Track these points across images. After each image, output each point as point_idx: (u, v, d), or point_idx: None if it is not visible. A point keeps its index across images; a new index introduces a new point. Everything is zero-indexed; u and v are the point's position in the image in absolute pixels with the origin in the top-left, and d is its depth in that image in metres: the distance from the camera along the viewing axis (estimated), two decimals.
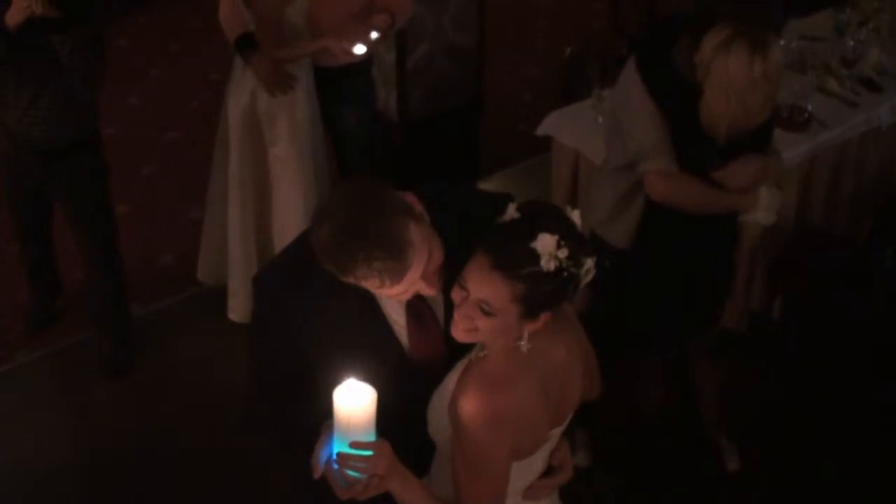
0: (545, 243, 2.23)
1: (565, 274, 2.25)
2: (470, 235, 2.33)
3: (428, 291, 2.36)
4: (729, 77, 3.19)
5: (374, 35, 4.21)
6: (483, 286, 2.27)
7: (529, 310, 2.29)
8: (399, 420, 2.39)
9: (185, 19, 7.17)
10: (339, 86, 4.55)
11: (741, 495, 4.21)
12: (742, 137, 3.33)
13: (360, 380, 2.28)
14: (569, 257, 2.25)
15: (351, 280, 2.27)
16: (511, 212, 2.31)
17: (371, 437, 2.30)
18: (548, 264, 2.23)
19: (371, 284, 2.28)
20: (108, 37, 6.50)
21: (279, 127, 4.45)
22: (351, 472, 2.31)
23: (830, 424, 4.44)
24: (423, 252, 2.28)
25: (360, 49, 4.20)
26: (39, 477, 4.26)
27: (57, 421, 4.52)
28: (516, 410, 2.37)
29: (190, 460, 4.33)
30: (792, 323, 4.79)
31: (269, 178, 4.58)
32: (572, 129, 4.63)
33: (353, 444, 2.28)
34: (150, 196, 5.71)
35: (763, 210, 3.52)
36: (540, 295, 2.27)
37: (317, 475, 2.34)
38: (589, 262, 2.30)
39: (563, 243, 2.24)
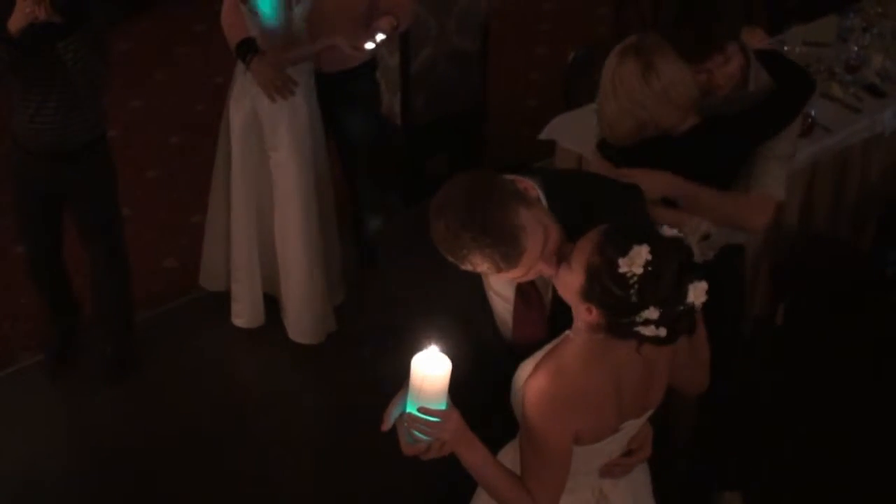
0: (636, 252, 2.27)
1: (634, 289, 2.28)
2: (593, 219, 2.42)
3: (548, 272, 2.44)
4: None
5: (380, 37, 4.22)
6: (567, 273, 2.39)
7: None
8: (486, 389, 2.56)
9: (188, 23, 7.17)
10: (342, 90, 4.55)
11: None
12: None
13: (444, 347, 2.38)
14: (647, 277, 2.26)
15: (469, 268, 2.40)
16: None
17: (442, 405, 2.41)
18: (626, 267, 2.27)
19: (488, 269, 2.39)
20: (112, 40, 6.53)
21: (280, 132, 4.45)
22: (417, 433, 2.43)
23: (834, 430, 4.43)
24: (539, 235, 2.38)
25: (369, 45, 4.21)
26: (39, 481, 4.27)
27: (58, 425, 4.53)
28: (580, 398, 2.45)
29: (191, 465, 4.34)
30: (795, 328, 4.79)
31: (270, 183, 4.58)
32: (575, 133, 4.62)
33: (422, 410, 2.40)
34: (153, 200, 5.71)
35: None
36: (605, 295, 2.31)
37: (385, 427, 2.48)
38: (688, 294, 2.30)
39: (651, 263, 2.26)
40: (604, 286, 2.30)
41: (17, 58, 3.86)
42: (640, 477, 2.85)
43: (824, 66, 4.90)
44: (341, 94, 4.57)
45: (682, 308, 2.30)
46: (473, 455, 2.49)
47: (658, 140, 3.37)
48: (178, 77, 6.75)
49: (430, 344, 2.37)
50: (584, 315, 2.39)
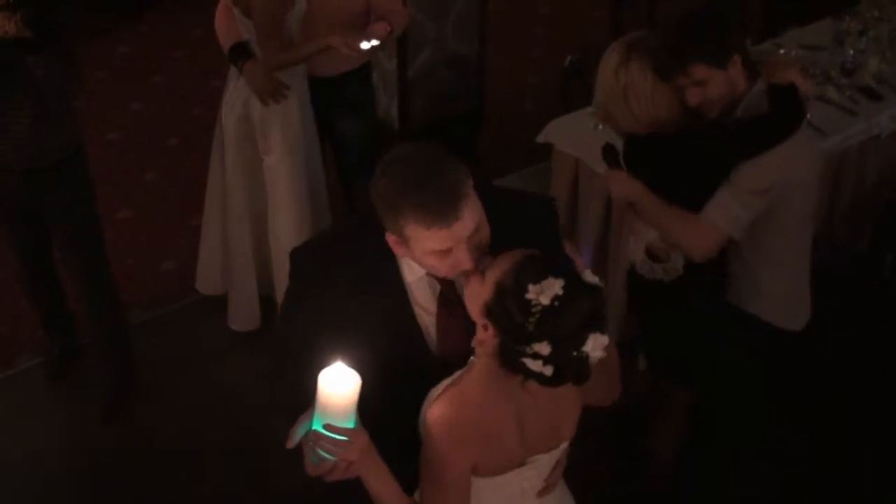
0: (548, 284, 2.24)
1: (534, 318, 2.24)
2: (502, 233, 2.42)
3: (467, 263, 2.39)
4: None
5: (373, 42, 4.22)
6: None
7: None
8: (405, 414, 2.46)
9: (187, 26, 7.18)
10: (337, 94, 4.56)
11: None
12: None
13: (364, 365, 2.32)
14: (550, 311, 2.23)
15: (400, 228, 2.37)
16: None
17: (350, 423, 2.34)
18: (534, 295, 2.24)
19: (418, 232, 2.35)
20: (111, 44, 6.55)
21: (273, 136, 4.46)
22: (322, 453, 2.36)
23: (832, 430, 4.44)
24: (476, 213, 2.37)
25: (364, 45, 4.21)
26: (37, 483, 4.28)
27: (57, 427, 4.53)
28: (479, 428, 2.39)
29: (189, 468, 4.34)
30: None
31: (264, 186, 4.59)
32: (572, 137, 4.64)
33: (328, 428, 2.33)
34: (151, 202, 5.71)
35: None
36: (505, 316, 2.28)
37: (290, 444, 2.40)
38: (587, 343, 2.25)
39: (560, 299, 2.23)
40: (506, 307, 2.26)
41: None
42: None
43: (820, 69, 4.92)
44: (336, 99, 4.58)
45: (575, 354, 2.25)
46: (379, 483, 2.42)
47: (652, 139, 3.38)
48: (176, 80, 6.76)
49: (337, 359, 2.31)
50: (480, 331, 2.34)
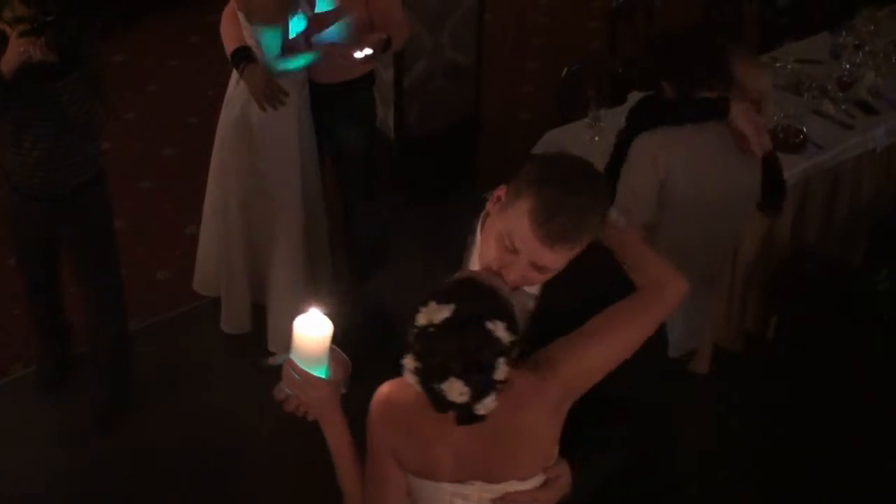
0: (432, 308, 2.24)
1: (414, 329, 2.25)
2: None
3: (497, 266, 2.44)
4: None
5: (367, 51, 4.22)
6: None
7: None
8: None
9: (182, 35, 7.18)
10: (338, 103, 4.56)
11: None
12: None
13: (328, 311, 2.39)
14: (422, 333, 2.23)
15: (519, 196, 2.42)
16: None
17: (320, 371, 2.43)
18: (420, 314, 2.24)
19: (520, 212, 2.40)
20: (106, 53, 6.54)
21: (269, 142, 4.46)
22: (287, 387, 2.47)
23: (825, 445, 4.44)
24: (564, 260, 2.46)
25: (358, 55, 4.21)
26: (30, 493, 4.26)
27: (49, 437, 4.52)
28: (407, 418, 2.41)
29: (184, 477, 4.33)
30: (786, 343, 4.80)
31: (261, 191, 4.60)
32: (568, 148, 4.63)
33: (292, 365, 2.43)
34: (146, 211, 5.71)
35: None
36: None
37: (272, 361, 2.55)
38: (445, 384, 2.22)
39: (432, 327, 2.23)
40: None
41: (10, 98, 3.74)
42: None
43: (816, 83, 4.93)
44: (337, 107, 4.58)
45: (434, 386, 2.23)
46: (332, 437, 2.51)
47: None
48: (171, 89, 6.75)
49: (312, 307, 2.38)
50: None
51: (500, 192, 2.49)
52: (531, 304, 2.54)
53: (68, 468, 4.38)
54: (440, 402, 2.25)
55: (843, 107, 4.86)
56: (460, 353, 2.20)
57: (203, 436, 4.49)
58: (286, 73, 4.28)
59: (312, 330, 2.37)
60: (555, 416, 2.42)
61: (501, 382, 2.24)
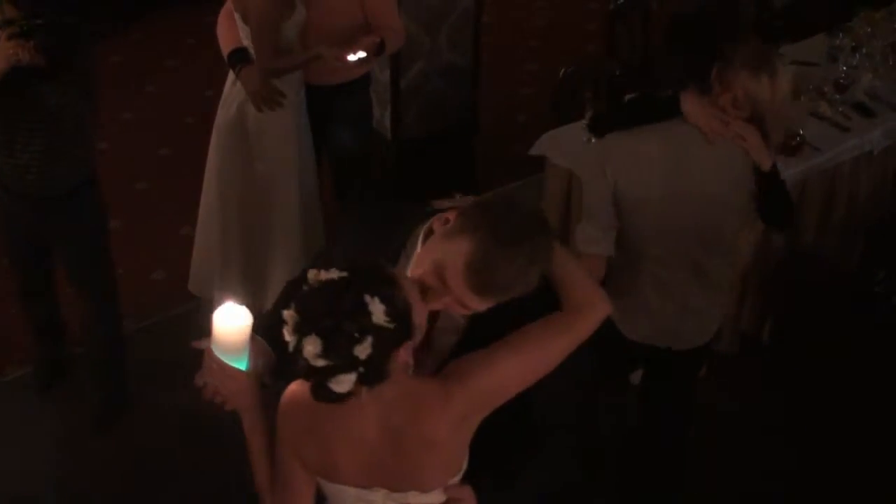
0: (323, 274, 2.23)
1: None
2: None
3: (419, 277, 2.42)
4: (787, 91, 3.49)
5: (361, 54, 4.22)
6: None
7: None
8: None
9: (179, 36, 7.18)
10: (335, 105, 4.56)
11: None
12: None
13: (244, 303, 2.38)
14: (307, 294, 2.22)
15: (460, 239, 2.35)
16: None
17: (240, 363, 2.44)
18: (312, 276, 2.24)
19: (456, 265, 2.34)
20: (102, 54, 6.53)
21: (265, 142, 4.46)
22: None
23: (821, 446, 4.44)
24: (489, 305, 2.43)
25: (351, 57, 4.21)
26: (25, 493, 4.25)
27: (46, 437, 4.51)
28: (309, 417, 2.40)
29: (180, 478, 4.32)
30: (783, 345, 4.80)
31: (256, 192, 4.59)
32: (565, 149, 4.64)
33: (210, 354, 2.47)
34: (142, 212, 5.70)
35: None
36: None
37: (196, 344, 2.56)
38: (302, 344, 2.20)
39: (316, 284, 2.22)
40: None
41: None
42: None
43: (814, 85, 4.93)
44: (334, 109, 4.58)
45: (299, 343, 2.20)
46: (247, 430, 2.56)
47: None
48: (168, 90, 6.75)
49: (230, 299, 2.38)
50: None
51: (451, 215, 2.44)
52: (463, 321, 2.52)
53: (64, 469, 4.37)
54: (298, 360, 2.21)
55: (840, 109, 4.86)
56: (329, 312, 2.16)
57: (199, 436, 4.47)
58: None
59: (231, 321, 2.36)
60: (461, 428, 2.40)
61: (362, 363, 2.17)
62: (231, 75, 4.42)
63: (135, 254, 5.36)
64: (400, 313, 2.21)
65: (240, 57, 4.30)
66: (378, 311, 2.16)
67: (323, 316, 2.16)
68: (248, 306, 2.40)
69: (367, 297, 2.16)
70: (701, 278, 3.59)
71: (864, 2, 5.45)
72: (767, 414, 4.60)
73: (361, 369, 2.18)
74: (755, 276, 4.65)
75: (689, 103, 3.43)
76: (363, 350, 2.16)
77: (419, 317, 2.29)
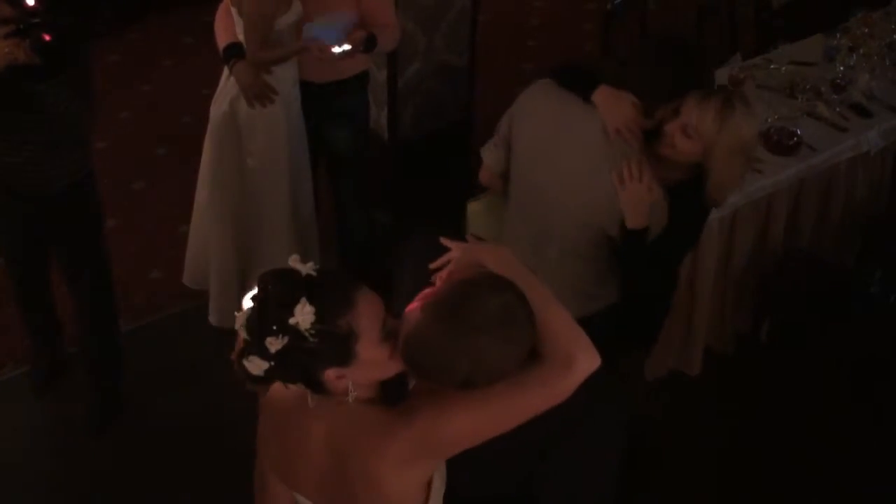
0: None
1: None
2: None
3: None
4: (742, 137, 3.25)
5: (346, 47, 4.19)
6: None
7: None
8: None
9: (176, 35, 7.18)
10: (332, 103, 4.55)
11: None
12: None
13: None
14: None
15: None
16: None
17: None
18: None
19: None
20: (100, 53, 6.54)
21: (257, 139, 4.46)
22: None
23: (819, 446, 4.44)
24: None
25: (336, 50, 4.19)
26: (20, 494, 4.25)
27: (41, 439, 4.51)
28: (279, 415, 2.40)
29: (176, 477, 4.32)
30: (779, 345, 4.80)
31: (249, 187, 4.59)
32: None
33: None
34: (139, 211, 5.70)
35: None
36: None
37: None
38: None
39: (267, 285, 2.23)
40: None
41: None
42: None
43: (811, 85, 4.93)
44: (330, 108, 4.57)
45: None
46: None
47: None
48: (165, 89, 6.74)
49: None
50: None
51: (441, 277, 2.37)
52: None
53: (61, 469, 4.36)
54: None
55: (837, 109, 4.86)
56: (267, 295, 2.19)
57: (197, 435, 4.47)
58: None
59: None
60: (405, 471, 2.25)
61: (272, 357, 2.17)
62: (226, 71, 4.41)
63: (132, 253, 5.36)
64: (331, 334, 2.17)
65: (234, 51, 4.30)
66: (303, 318, 2.15)
67: (262, 294, 2.19)
68: (239, 301, 2.39)
69: (303, 301, 2.15)
70: (539, 259, 3.42)
71: (862, 2, 5.45)
72: (765, 414, 4.60)
73: (272, 362, 2.18)
74: (752, 275, 4.65)
75: (601, 97, 3.34)
76: (274, 344, 2.16)
77: (367, 351, 2.21)
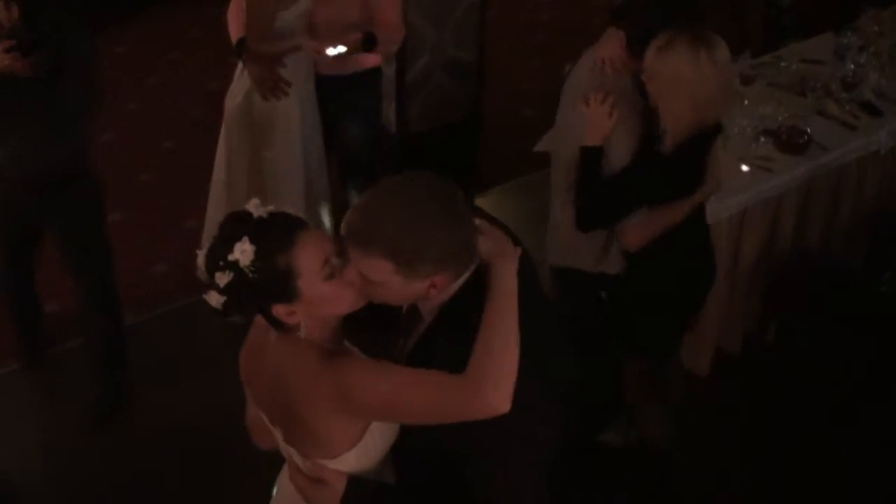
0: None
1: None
2: None
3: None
4: (679, 72, 3.23)
5: (340, 48, 4.19)
6: None
7: None
8: None
9: (184, 28, 7.17)
10: (345, 97, 4.55)
11: None
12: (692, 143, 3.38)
13: None
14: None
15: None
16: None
17: None
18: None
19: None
20: (107, 45, 6.53)
21: (271, 131, 4.47)
22: None
23: (825, 446, 4.43)
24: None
25: (330, 51, 4.20)
26: (21, 489, 4.25)
27: (45, 431, 4.50)
28: (254, 337, 2.65)
29: (180, 472, 4.31)
30: (786, 346, 4.79)
31: (264, 179, 4.59)
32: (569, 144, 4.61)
33: None
34: (145, 204, 5.69)
35: None
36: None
37: None
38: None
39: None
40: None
41: None
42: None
43: (821, 83, 4.91)
44: (343, 101, 4.56)
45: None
46: None
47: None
48: (172, 82, 6.74)
49: None
50: None
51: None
52: (424, 326, 2.47)
53: (63, 463, 4.36)
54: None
55: (847, 107, 4.84)
56: (221, 231, 2.37)
57: (202, 429, 4.46)
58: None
59: None
60: (329, 415, 2.37)
61: (221, 290, 2.34)
62: (240, 64, 4.43)
63: (137, 246, 5.35)
64: (269, 272, 2.30)
65: (247, 45, 4.31)
66: (243, 256, 2.29)
67: (219, 231, 2.37)
68: None
69: (245, 239, 2.29)
70: (552, 220, 3.71)
71: (872, 0, 5.42)
72: (771, 414, 4.59)
73: (224, 297, 2.34)
74: (761, 275, 4.63)
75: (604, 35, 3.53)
76: (221, 279, 2.33)
77: (310, 289, 2.32)
